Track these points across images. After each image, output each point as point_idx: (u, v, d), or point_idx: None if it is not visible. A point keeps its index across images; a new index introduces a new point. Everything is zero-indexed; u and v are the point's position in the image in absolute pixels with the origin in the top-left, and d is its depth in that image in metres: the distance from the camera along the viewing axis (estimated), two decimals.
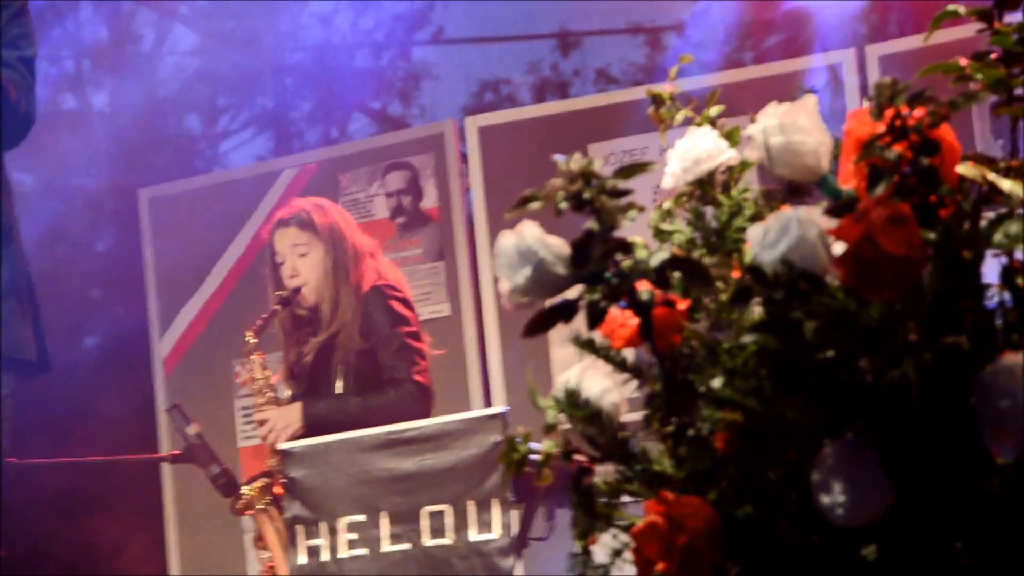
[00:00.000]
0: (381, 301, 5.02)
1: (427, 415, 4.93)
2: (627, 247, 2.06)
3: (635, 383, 2.26)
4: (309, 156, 6.86)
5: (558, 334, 2.15)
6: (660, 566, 2.07)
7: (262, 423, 5.09)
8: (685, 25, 7.96)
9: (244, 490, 5.09)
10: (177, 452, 5.25)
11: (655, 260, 2.05)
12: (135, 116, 8.00)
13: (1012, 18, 2.20)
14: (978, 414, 1.99)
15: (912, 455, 2.02)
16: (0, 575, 3.95)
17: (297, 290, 5.09)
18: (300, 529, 4.19)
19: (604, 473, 2.27)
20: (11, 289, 3.92)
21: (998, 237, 2.07)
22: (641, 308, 2.07)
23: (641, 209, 2.06)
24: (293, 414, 5.02)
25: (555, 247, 2.06)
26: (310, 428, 4.93)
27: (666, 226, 2.46)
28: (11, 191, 4.02)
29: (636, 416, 2.23)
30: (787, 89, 2.61)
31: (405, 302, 5.08)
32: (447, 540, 4.04)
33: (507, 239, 2.07)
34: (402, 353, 4.98)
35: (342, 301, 5.03)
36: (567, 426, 2.28)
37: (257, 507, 5.08)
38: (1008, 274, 2.07)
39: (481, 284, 6.22)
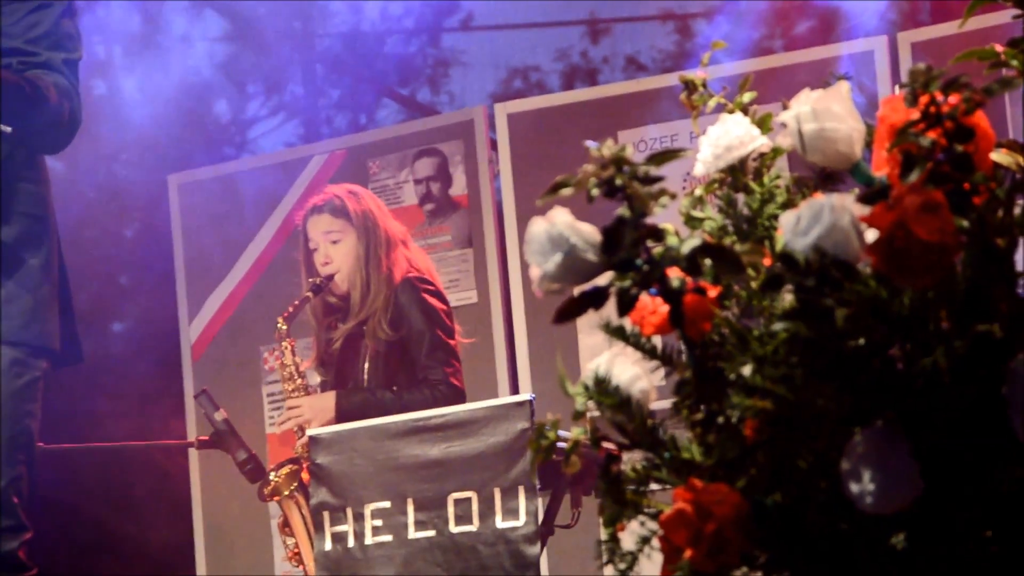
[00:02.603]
0: (414, 295, 5.01)
1: None
2: (658, 234, 2.05)
3: (664, 370, 2.25)
4: (338, 143, 6.86)
5: (586, 321, 2.15)
6: (688, 553, 2.07)
7: (293, 409, 5.10)
8: (715, 12, 7.94)
9: (271, 476, 5.10)
10: (204, 438, 5.26)
11: (686, 247, 2.04)
12: (165, 102, 8.02)
13: None
14: (1009, 402, 1.98)
15: (943, 443, 2.01)
16: (27, 557, 3.96)
17: (330, 277, 5.09)
18: (326, 515, 4.20)
19: (632, 460, 2.26)
20: (44, 279, 3.94)
21: None
22: (672, 295, 2.06)
23: (672, 196, 2.05)
24: (326, 404, 5.03)
25: (586, 233, 2.05)
26: (342, 419, 4.93)
27: (697, 213, 2.45)
28: (49, 182, 4.04)
29: (665, 403, 2.23)
30: (818, 76, 2.59)
31: (438, 295, 5.07)
32: (473, 527, 4.04)
33: (538, 225, 2.06)
34: (437, 354, 4.98)
35: (372, 289, 5.03)
36: (595, 413, 2.27)
37: (284, 494, 5.09)
38: None
39: (509, 271, 6.22)
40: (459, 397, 4.97)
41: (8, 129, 3.74)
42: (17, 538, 3.88)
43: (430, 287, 5.07)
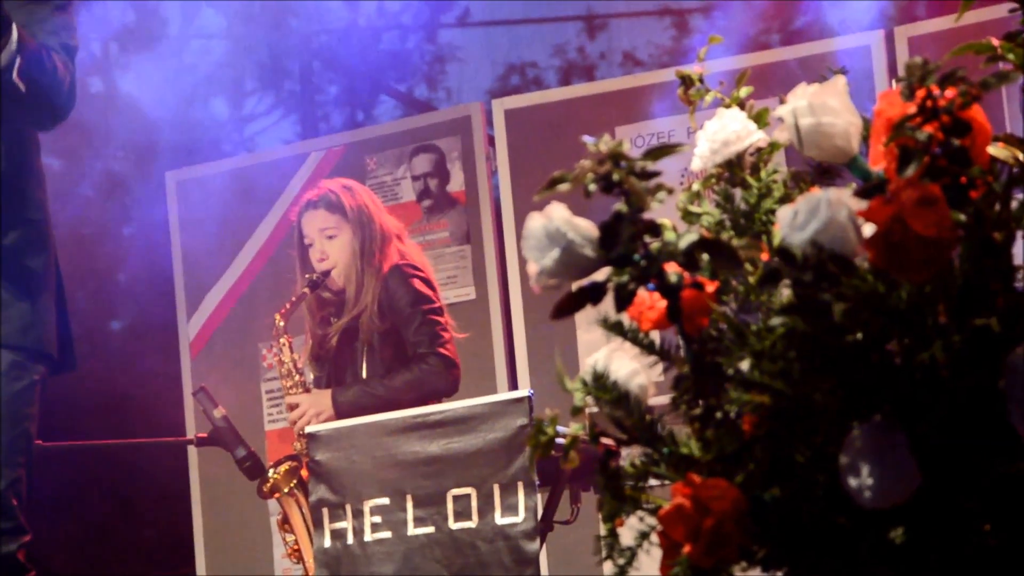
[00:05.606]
0: (401, 280, 5.01)
1: (454, 387, 4.93)
2: (656, 229, 2.05)
3: (662, 366, 2.25)
4: (336, 139, 6.86)
5: (584, 317, 2.15)
6: (687, 549, 2.07)
7: (293, 407, 5.09)
8: (712, 7, 7.94)
9: (271, 473, 5.10)
10: (203, 435, 5.26)
11: (684, 242, 2.04)
12: (162, 99, 8.02)
13: None
14: (1007, 396, 1.98)
15: (941, 437, 2.01)
16: (27, 558, 3.96)
17: (326, 273, 5.09)
18: (325, 512, 4.20)
19: (631, 456, 2.26)
20: (43, 284, 3.94)
21: None
22: (669, 290, 2.06)
23: (670, 191, 2.05)
24: (324, 401, 5.02)
25: (583, 229, 2.05)
26: (341, 416, 4.93)
27: (695, 208, 2.45)
28: (45, 184, 4.03)
29: (663, 399, 2.23)
30: (815, 71, 2.59)
31: (426, 280, 5.07)
32: (472, 523, 4.04)
33: (536, 221, 2.06)
34: (424, 328, 4.97)
35: (366, 283, 5.03)
36: (594, 409, 2.27)
37: (283, 491, 5.09)
38: None
39: (507, 267, 6.22)
40: (451, 366, 4.96)
41: (23, 87, 3.74)
42: (16, 541, 3.88)
43: (418, 272, 5.06)
